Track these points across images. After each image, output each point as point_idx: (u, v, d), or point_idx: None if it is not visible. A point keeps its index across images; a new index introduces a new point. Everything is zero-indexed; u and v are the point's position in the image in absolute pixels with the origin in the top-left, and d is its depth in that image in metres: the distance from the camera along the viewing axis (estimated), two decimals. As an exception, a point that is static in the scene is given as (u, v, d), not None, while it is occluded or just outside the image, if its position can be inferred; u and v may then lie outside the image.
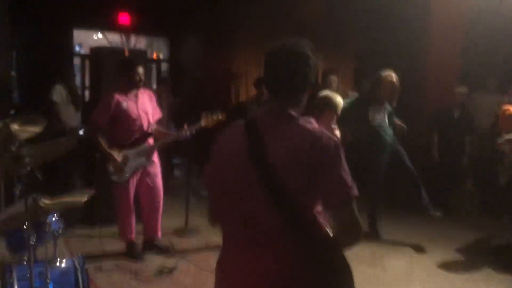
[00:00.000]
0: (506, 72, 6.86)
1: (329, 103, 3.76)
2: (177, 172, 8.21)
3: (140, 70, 4.30)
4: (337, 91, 6.22)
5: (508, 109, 4.64)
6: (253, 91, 10.31)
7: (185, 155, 6.98)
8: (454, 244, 5.03)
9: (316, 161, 1.58)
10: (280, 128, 1.65)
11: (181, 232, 5.25)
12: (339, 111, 3.79)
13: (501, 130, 4.74)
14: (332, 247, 1.68)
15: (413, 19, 7.07)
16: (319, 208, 1.70)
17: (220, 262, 1.81)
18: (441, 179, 5.84)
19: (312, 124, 1.70)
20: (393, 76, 4.84)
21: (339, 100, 3.81)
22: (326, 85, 6.12)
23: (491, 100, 6.20)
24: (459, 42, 6.81)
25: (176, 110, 7.29)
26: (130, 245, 4.54)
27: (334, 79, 6.09)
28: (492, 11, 6.84)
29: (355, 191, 1.61)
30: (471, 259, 4.70)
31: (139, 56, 6.33)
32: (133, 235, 4.55)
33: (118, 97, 4.28)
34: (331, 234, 1.72)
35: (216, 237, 5.36)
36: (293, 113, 1.69)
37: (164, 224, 5.33)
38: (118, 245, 4.66)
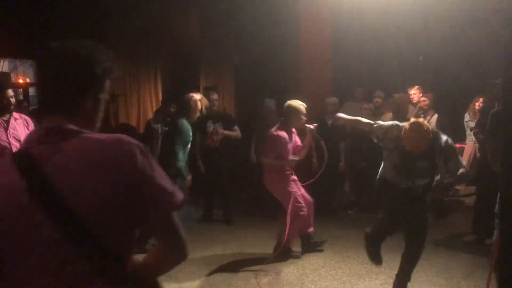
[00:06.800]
0: (371, 82, 7.55)
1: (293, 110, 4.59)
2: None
3: (9, 92, 3.92)
4: (218, 108, 6.29)
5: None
6: (135, 112, 9.99)
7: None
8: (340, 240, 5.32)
9: (123, 175, 1.22)
10: (63, 150, 1.23)
11: None
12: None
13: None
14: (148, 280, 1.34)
15: (286, 40, 7.49)
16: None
17: None
18: (322, 184, 6.10)
19: (102, 134, 1.30)
20: None
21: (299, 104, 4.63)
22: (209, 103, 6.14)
23: (359, 107, 6.70)
24: (328, 59, 7.25)
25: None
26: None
27: (215, 97, 6.15)
28: (355, 28, 7.51)
29: (179, 196, 1.28)
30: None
31: (3, 78, 5.76)
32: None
33: None
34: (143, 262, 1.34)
35: None
36: (74, 127, 1.28)
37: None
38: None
